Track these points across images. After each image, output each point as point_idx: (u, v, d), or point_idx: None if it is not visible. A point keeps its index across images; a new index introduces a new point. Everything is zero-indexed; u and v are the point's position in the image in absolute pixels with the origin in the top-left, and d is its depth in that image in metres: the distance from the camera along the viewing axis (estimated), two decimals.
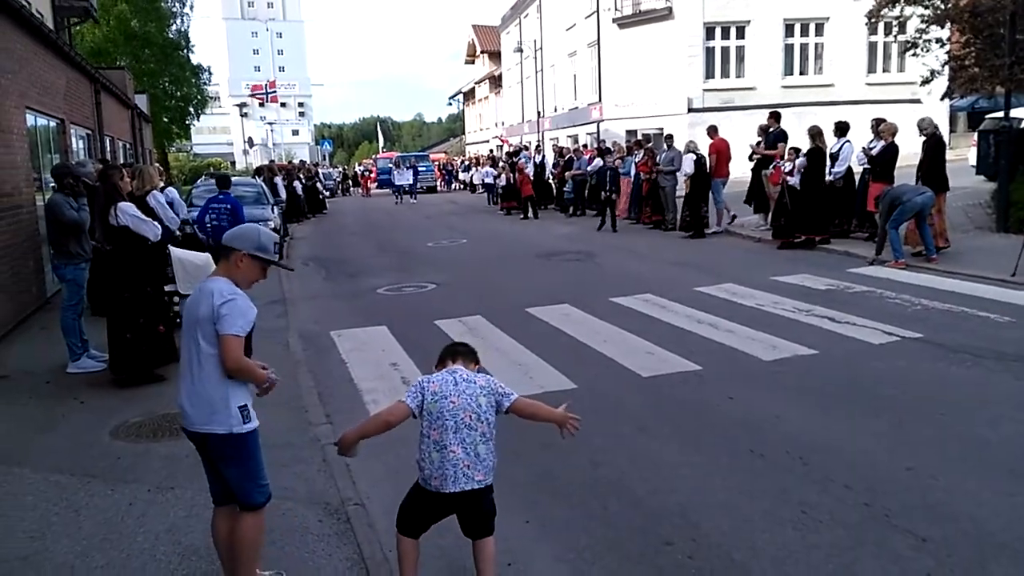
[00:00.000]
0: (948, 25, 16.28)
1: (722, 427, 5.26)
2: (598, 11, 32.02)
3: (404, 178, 31.58)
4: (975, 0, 14.54)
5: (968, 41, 15.83)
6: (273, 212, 15.66)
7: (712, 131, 15.72)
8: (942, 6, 15.57)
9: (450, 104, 69.94)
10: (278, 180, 21.29)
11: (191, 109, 42.34)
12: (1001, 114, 13.37)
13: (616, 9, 30.56)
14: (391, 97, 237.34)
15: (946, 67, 16.59)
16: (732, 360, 6.78)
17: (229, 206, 10.33)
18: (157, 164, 26.29)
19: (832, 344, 7.07)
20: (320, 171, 36.34)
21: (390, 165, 36.22)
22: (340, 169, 55.56)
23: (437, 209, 27.30)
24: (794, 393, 5.87)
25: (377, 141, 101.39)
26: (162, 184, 10.52)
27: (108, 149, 17.78)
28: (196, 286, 3.33)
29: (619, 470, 4.67)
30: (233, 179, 13.85)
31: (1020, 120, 16.23)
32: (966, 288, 8.99)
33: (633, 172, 18.03)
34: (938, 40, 16.40)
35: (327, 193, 33.55)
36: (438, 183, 41.72)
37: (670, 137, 17.02)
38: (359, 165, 57.76)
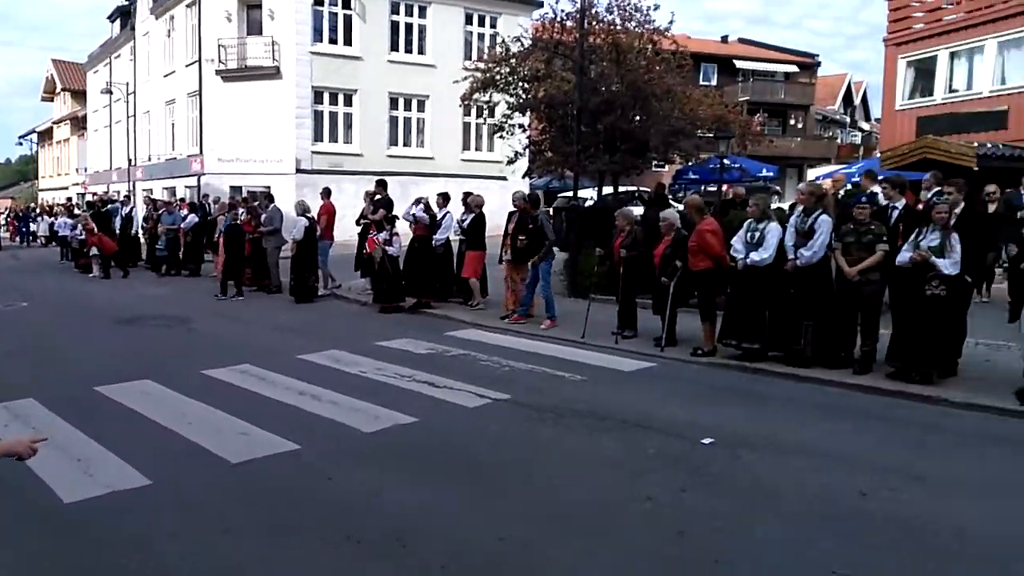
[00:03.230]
0: (529, 113, 18.44)
1: (319, 514, 4.83)
2: (200, 61, 30.30)
3: None
4: (550, 94, 16.65)
5: (544, 129, 18.05)
6: None
7: (325, 194, 15.81)
8: (524, 96, 17.57)
9: (20, 144, 59.91)
10: None
11: None
12: (571, 194, 15.33)
13: (220, 62, 29.21)
14: None
15: (527, 150, 18.70)
16: (333, 435, 6.42)
17: None
18: None
19: (431, 410, 7.10)
20: None
21: None
22: None
23: None
24: (393, 467, 5.68)
25: None
26: None
27: None
28: None
29: None
30: None
31: (586, 200, 18.89)
32: (545, 349, 9.84)
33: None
34: (520, 125, 18.48)
35: None
36: (6, 234, 35.26)
37: (271, 196, 16.50)
38: None
